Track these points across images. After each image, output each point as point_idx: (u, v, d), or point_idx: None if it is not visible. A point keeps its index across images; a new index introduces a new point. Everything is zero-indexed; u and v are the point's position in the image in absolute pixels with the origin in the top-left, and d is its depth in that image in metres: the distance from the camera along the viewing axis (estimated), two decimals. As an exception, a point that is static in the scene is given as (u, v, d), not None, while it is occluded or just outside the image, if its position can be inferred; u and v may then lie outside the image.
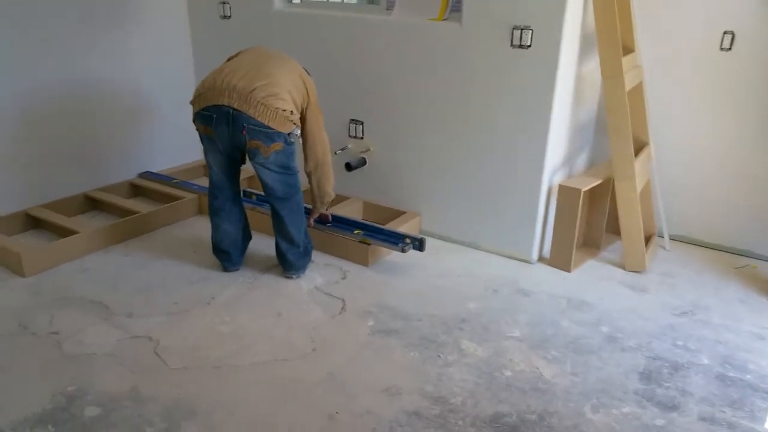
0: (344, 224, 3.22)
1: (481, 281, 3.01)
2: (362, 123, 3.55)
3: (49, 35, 3.29)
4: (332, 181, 2.99)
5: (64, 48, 3.38)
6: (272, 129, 2.61)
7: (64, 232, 3.18)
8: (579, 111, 3.25)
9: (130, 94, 3.77)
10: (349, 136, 3.61)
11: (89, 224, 3.35)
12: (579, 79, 3.11)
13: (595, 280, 3.05)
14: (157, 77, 3.88)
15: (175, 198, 3.64)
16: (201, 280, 2.93)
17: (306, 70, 2.90)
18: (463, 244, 3.39)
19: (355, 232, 3.15)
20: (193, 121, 2.72)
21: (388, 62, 3.33)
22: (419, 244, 3.05)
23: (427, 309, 2.75)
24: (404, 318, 2.67)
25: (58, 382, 2.19)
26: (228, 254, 2.97)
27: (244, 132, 2.60)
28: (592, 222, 3.33)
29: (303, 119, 2.81)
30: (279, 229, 2.89)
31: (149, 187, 3.81)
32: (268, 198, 2.85)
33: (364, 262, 3.13)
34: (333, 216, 3.24)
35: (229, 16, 3.89)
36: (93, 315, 2.61)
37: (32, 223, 3.34)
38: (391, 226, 3.28)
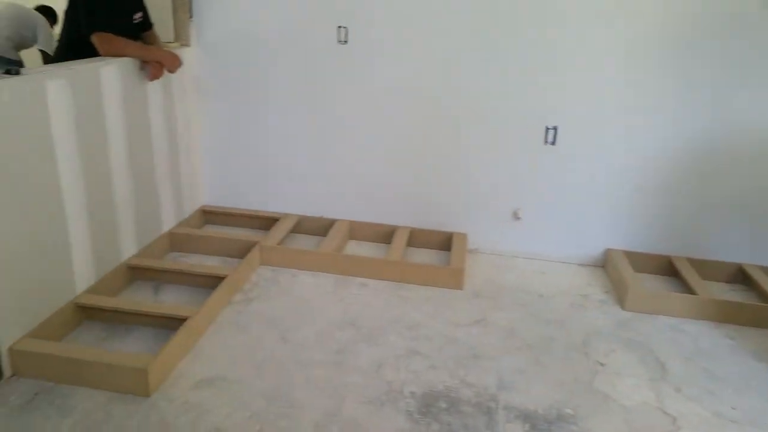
0: None
1: None
2: None
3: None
4: None
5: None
6: None
7: (688, 289, 3.09)
8: None
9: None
10: None
11: (718, 293, 3.12)
12: None
13: None
14: None
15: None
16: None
17: None
18: None
19: None
20: None
21: None
22: None
23: None
24: None
25: (560, 397, 2.29)
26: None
27: None
28: None
29: None
30: None
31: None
32: None
33: None
34: None
35: None
36: (645, 368, 2.51)
37: (671, 271, 3.35)
38: None
